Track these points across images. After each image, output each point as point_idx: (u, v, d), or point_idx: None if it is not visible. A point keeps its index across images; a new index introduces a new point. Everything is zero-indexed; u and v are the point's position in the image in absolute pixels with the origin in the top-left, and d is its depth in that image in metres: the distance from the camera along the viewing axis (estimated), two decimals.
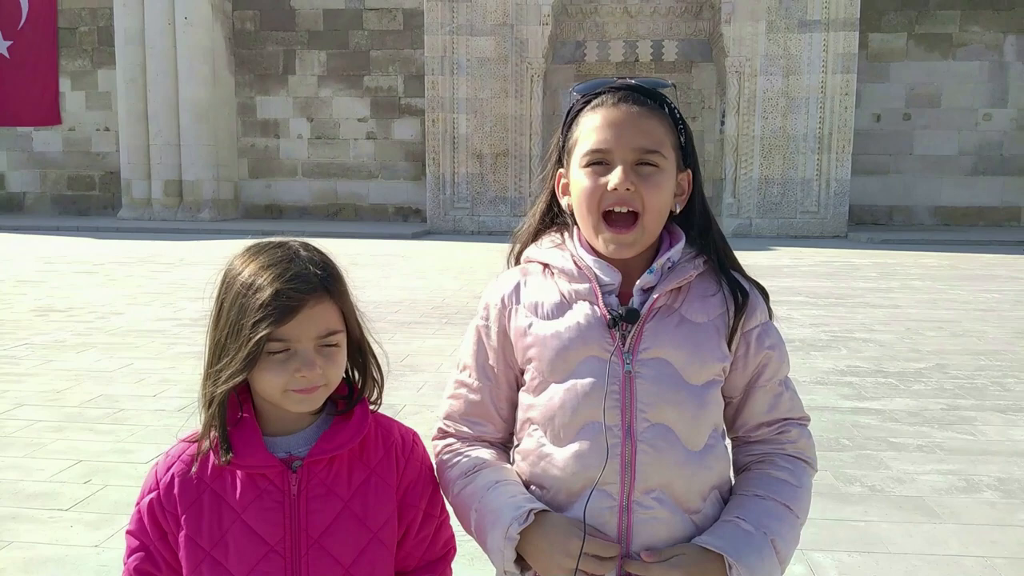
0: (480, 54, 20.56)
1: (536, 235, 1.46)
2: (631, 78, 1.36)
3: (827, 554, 3.22)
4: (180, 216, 22.84)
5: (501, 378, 1.42)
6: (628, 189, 1.27)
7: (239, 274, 1.26)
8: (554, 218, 1.46)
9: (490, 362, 1.42)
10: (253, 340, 1.21)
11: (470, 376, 1.44)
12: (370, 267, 12.69)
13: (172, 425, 4.75)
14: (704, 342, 1.32)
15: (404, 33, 23.67)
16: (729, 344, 1.34)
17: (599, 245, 1.33)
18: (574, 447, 1.31)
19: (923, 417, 5.09)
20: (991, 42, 22.01)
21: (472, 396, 1.44)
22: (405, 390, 5.52)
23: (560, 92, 21.85)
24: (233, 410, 1.31)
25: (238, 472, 1.29)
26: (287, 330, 1.22)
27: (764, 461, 1.39)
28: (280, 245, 1.31)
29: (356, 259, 13.30)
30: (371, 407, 1.39)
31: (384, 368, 1.41)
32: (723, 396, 1.38)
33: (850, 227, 20.19)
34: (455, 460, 1.41)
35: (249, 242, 1.35)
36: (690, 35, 21.27)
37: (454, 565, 1.46)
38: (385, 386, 1.42)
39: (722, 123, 20.33)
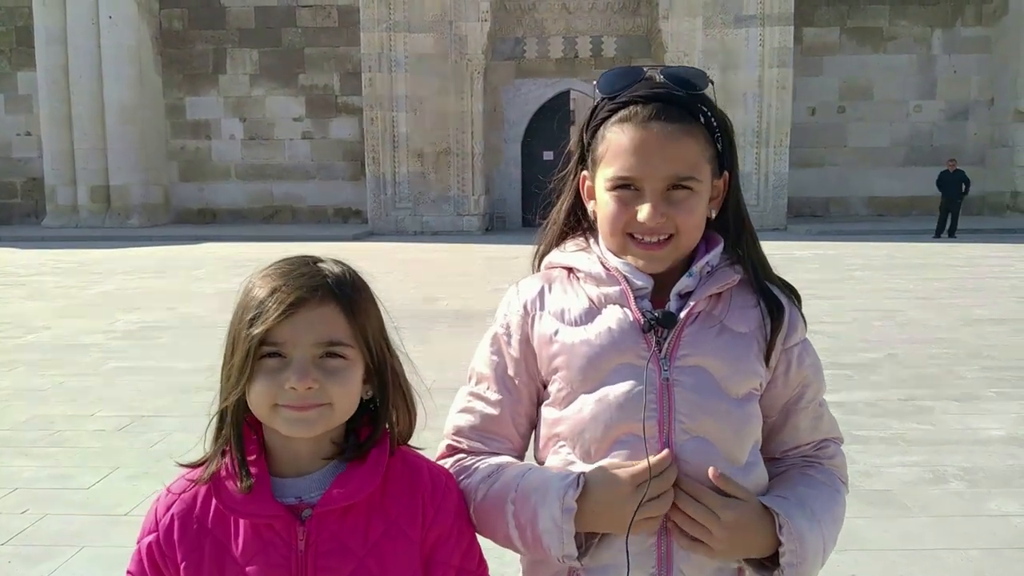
0: (419, 51, 20.33)
1: (562, 237, 1.35)
2: (663, 71, 1.21)
3: None
4: (108, 223, 22.06)
5: (523, 391, 1.30)
6: (659, 222, 1.18)
7: (251, 279, 1.14)
8: (579, 217, 1.34)
9: (510, 373, 1.30)
10: (246, 341, 1.08)
11: (487, 389, 1.31)
12: None
13: (113, 446, 4.48)
14: (745, 353, 1.22)
15: (339, 30, 23.27)
16: (767, 359, 1.24)
17: (629, 260, 1.24)
18: (607, 463, 1.19)
19: (883, 408, 5.12)
20: (919, 36, 22.71)
21: (489, 410, 1.30)
22: None
23: (500, 88, 21.78)
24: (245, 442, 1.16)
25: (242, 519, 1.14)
26: (281, 332, 1.07)
27: (804, 466, 1.31)
28: (304, 255, 1.17)
29: None
30: (402, 446, 1.23)
31: (421, 402, 1.25)
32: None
33: (789, 219, 20.60)
34: (473, 468, 1.27)
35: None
36: (629, 31, 21.41)
37: None
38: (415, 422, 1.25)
39: None
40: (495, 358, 1.31)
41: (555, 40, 21.50)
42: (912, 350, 6.76)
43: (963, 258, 13.94)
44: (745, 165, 20.13)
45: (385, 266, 13.06)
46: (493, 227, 21.86)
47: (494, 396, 1.30)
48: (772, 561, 1.17)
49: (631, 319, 1.21)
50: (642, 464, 1.14)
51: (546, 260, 1.35)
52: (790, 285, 1.30)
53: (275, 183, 24.06)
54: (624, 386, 1.19)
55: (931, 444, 4.46)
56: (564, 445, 1.25)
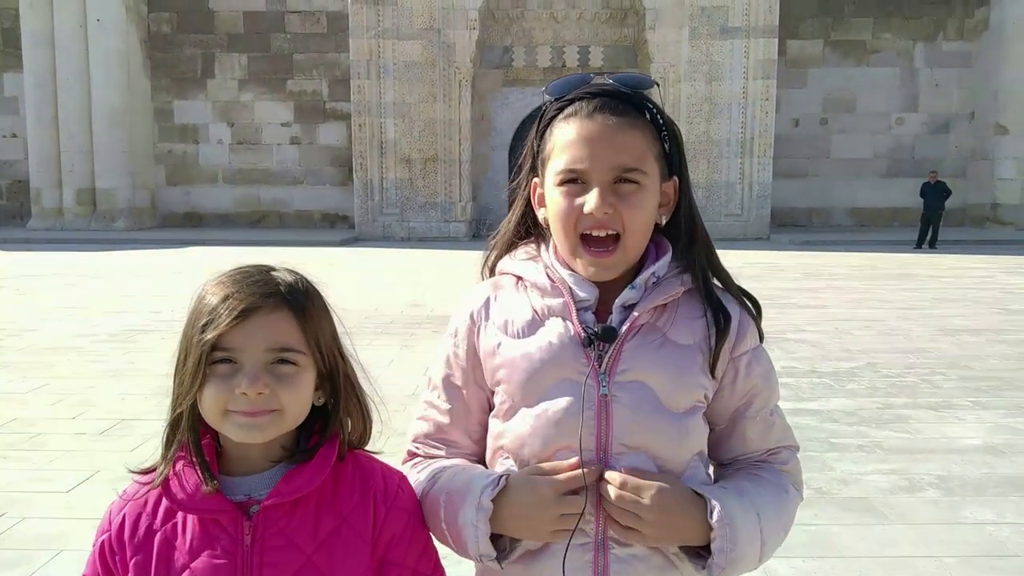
0: (407, 58, 20.37)
1: (511, 246, 1.35)
2: (609, 75, 1.23)
3: (782, 561, 3.20)
4: (94, 226, 21.93)
5: (472, 400, 1.30)
6: (606, 212, 1.16)
7: (204, 287, 1.15)
8: (530, 228, 1.34)
9: (458, 383, 1.30)
10: (198, 347, 1.09)
11: (439, 397, 1.32)
12: None
13: (94, 450, 4.47)
14: (688, 366, 1.21)
15: (328, 36, 23.28)
16: (712, 370, 1.23)
17: (578, 267, 1.22)
18: (540, 467, 1.20)
19: (860, 416, 5.17)
20: (902, 49, 22.95)
21: (441, 418, 1.31)
22: None
23: (488, 96, 21.83)
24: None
25: (190, 516, 1.15)
26: (233, 337, 1.08)
27: (752, 466, 1.30)
28: (258, 264, 1.19)
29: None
30: (358, 450, 1.25)
31: (377, 409, 1.27)
32: (707, 423, 1.27)
33: (772, 229, 20.73)
34: (423, 469, 1.29)
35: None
36: (615, 41, 21.53)
37: None
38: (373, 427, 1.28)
39: None
40: (446, 369, 1.31)
41: (543, 49, 21.59)
42: (891, 359, 6.82)
43: (944, 269, 14.07)
44: (729, 175, 20.28)
45: (371, 272, 13.05)
46: (480, 233, 21.90)
47: (444, 405, 1.31)
48: (708, 550, 1.16)
49: (572, 333, 1.20)
50: (567, 475, 1.15)
51: (498, 266, 1.34)
52: (749, 294, 1.30)
53: (262, 188, 24.00)
54: (562, 402, 1.18)
55: (908, 452, 4.50)
56: (508, 458, 1.25)
